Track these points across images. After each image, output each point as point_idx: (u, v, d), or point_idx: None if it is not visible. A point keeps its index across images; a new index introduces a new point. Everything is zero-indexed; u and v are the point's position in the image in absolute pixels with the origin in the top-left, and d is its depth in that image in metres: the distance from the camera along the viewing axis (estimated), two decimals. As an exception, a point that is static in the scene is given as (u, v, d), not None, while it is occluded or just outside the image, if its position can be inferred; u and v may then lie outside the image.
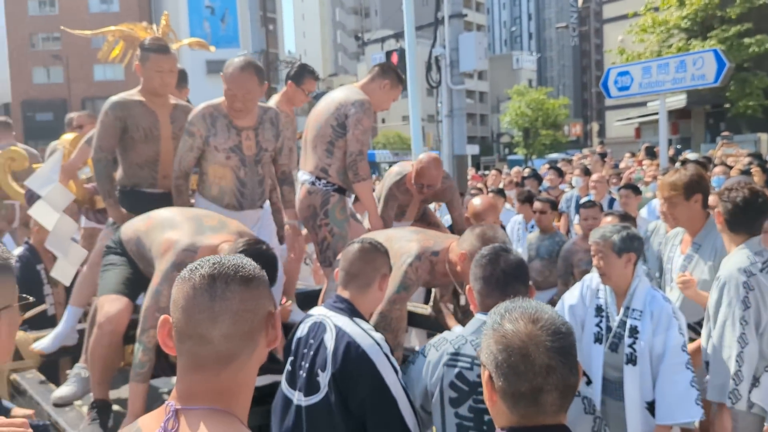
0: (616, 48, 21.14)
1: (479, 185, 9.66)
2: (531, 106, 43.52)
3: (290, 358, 2.30)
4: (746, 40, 18.43)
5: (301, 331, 2.30)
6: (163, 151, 3.49)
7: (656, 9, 20.22)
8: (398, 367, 2.12)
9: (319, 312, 2.31)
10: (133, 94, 3.57)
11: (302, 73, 4.60)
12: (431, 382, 2.10)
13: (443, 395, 2.04)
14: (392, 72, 3.96)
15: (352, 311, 2.22)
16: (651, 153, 11.17)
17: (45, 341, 3.46)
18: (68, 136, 4.78)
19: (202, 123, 3.20)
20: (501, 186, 8.98)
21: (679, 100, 20.42)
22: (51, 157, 4.51)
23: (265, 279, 1.19)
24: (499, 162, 38.55)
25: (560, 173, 8.75)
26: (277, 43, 43.48)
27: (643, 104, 21.95)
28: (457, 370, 2.02)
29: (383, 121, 60.87)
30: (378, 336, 2.14)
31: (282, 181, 3.60)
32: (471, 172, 13.93)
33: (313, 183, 3.61)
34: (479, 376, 1.92)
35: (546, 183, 8.94)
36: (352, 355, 2.07)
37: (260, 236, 3.19)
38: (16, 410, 2.13)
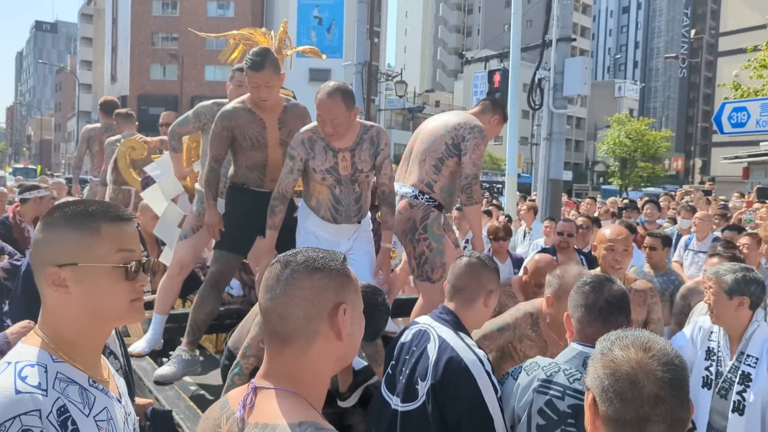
0: (730, 83, 20.07)
1: (572, 212, 9.44)
2: (631, 135, 42.00)
3: (391, 362, 2.32)
4: None
5: (405, 337, 2.31)
6: (270, 157, 3.64)
7: (778, 44, 19.08)
8: (498, 387, 2.11)
9: (424, 321, 2.31)
10: (244, 101, 3.68)
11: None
12: (519, 406, 2.07)
13: (531, 421, 2.01)
14: (501, 108, 4.04)
15: (456, 324, 2.22)
16: (764, 195, 10.52)
17: (140, 344, 3.72)
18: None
19: (302, 147, 3.28)
20: (596, 215, 8.72)
21: (795, 142, 19.13)
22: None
23: (338, 273, 1.25)
24: (592, 190, 37.44)
25: (659, 207, 8.41)
26: (379, 56, 44.28)
27: (755, 143, 20.70)
28: (547, 397, 1.97)
29: (475, 139, 60.49)
30: (481, 353, 2.14)
31: (381, 201, 3.53)
32: (564, 198, 13.61)
33: (415, 197, 3.63)
34: (570, 407, 1.90)
35: (643, 216, 8.61)
36: (453, 369, 2.07)
37: (353, 250, 3.38)
38: (139, 399, 2.26)
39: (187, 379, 4.22)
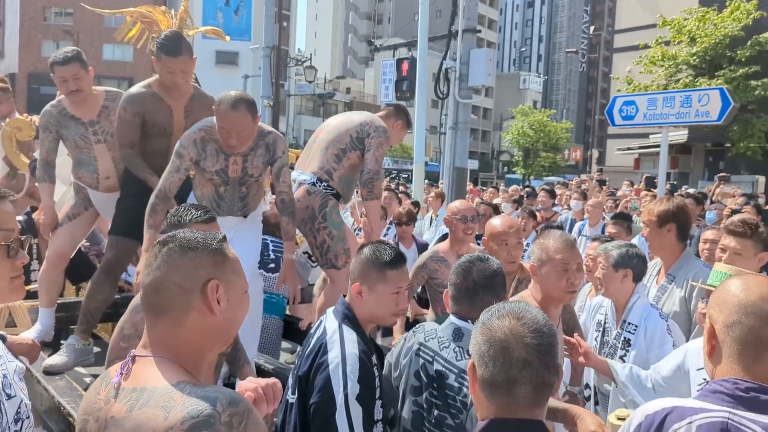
0: (623, 77, 21.30)
1: (477, 199, 9.74)
2: (533, 126, 43.75)
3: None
4: (753, 83, 18.61)
5: None
6: (173, 145, 3.54)
7: (667, 43, 20.40)
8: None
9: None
10: (150, 85, 3.57)
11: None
12: (402, 364, 2.18)
13: (408, 382, 2.13)
14: (405, 115, 4.13)
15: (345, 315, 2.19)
16: (651, 184, 11.28)
17: (29, 335, 3.51)
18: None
19: (194, 147, 3.15)
20: (497, 201, 9.06)
21: (680, 135, 20.58)
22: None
23: (212, 252, 1.34)
24: (497, 179, 38.72)
25: (552, 195, 8.85)
26: (288, 41, 43.60)
27: (645, 135, 22.12)
28: (421, 361, 2.10)
29: (386, 127, 60.95)
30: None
31: (281, 210, 3.44)
32: (469, 186, 14.02)
33: (313, 184, 3.64)
34: (436, 371, 2.03)
35: (538, 204, 9.04)
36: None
37: (233, 242, 3.28)
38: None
39: (80, 369, 4.05)
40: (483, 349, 1.34)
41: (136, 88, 3.60)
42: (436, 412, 2.00)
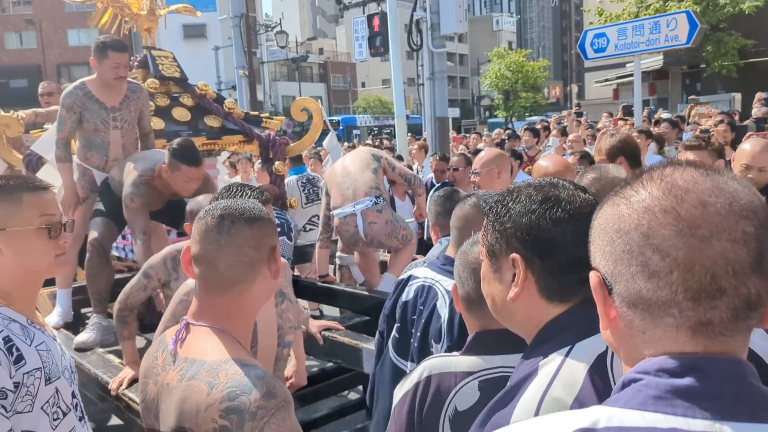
0: (595, 9, 21.22)
1: (461, 146, 9.91)
2: (511, 68, 43.55)
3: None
4: (721, 1, 18.64)
5: (406, 294, 2.15)
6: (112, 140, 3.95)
7: (635, -31, 20.29)
8: None
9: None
10: (90, 82, 3.88)
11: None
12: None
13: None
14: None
15: None
16: (629, 113, 11.46)
17: (52, 318, 3.78)
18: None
19: (163, 269, 2.79)
20: (480, 147, 9.22)
21: (656, 61, 20.67)
22: (55, 123, 4.66)
23: (269, 219, 1.42)
24: (480, 125, 38.71)
25: (536, 134, 9.00)
26: (255, 7, 42.77)
27: (622, 65, 22.16)
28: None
29: (363, 85, 60.51)
30: None
31: None
32: (452, 134, 14.14)
33: (376, 203, 4.03)
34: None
35: (522, 144, 9.22)
36: None
37: None
38: None
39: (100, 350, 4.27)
40: (460, 271, 1.55)
41: (75, 86, 3.92)
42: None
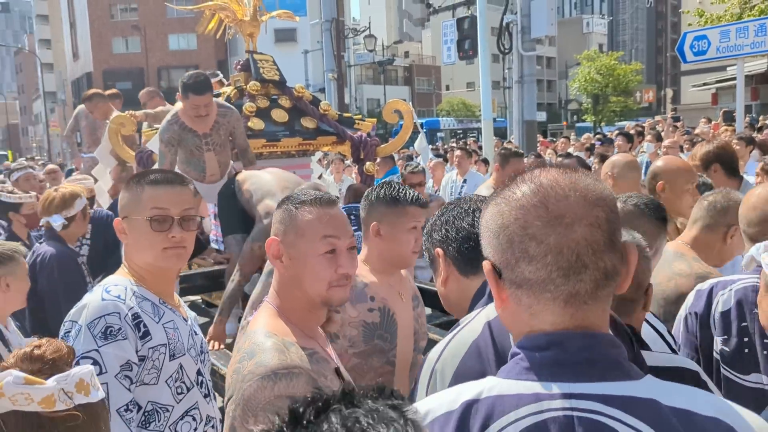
0: (694, 10, 20.29)
1: (549, 150, 9.77)
2: (601, 71, 42.25)
3: (723, 337, 1.93)
4: (836, 0, 17.39)
5: (724, 305, 1.94)
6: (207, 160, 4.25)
7: (739, -32, 19.25)
8: None
9: (727, 279, 2.00)
10: (182, 114, 4.09)
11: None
12: None
13: None
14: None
15: None
16: (729, 118, 10.93)
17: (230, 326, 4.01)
18: (114, 114, 5.28)
19: None
20: (570, 151, 9.05)
21: (759, 65, 19.50)
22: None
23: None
24: (566, 129, 37.82)
25: (629, 138, 8.73)
26: (344, 11, 43.66)
27: (722, 69, 21.09)
28: None
29: (447, 88, 60.39)
30: None
31: None
32: (539, 138, 13.93)
33: None
34: None
35: (615, 149, 8.98)
36: None
37: None
38: None
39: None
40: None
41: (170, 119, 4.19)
42: None
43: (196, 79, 3.88)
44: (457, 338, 1.31)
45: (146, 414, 1.70)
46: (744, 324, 1.87)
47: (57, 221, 3.63)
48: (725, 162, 3.23)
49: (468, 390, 0.92)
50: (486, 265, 0.95)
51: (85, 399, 1.02)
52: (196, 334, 1.89)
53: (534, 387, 0.87)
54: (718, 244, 2.32)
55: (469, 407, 0.90)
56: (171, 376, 1.74)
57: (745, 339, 1.85)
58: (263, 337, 1.42)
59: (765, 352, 1.82)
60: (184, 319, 1.86)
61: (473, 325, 1.32)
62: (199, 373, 1.82)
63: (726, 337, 1.90)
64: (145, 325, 1.69)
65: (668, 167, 2.84)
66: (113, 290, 1.72)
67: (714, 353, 1.93)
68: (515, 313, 0.93)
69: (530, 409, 0.85)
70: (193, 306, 3.92)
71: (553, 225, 0.87)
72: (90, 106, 7.05)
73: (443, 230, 1.53)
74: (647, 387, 0.87)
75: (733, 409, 0.87)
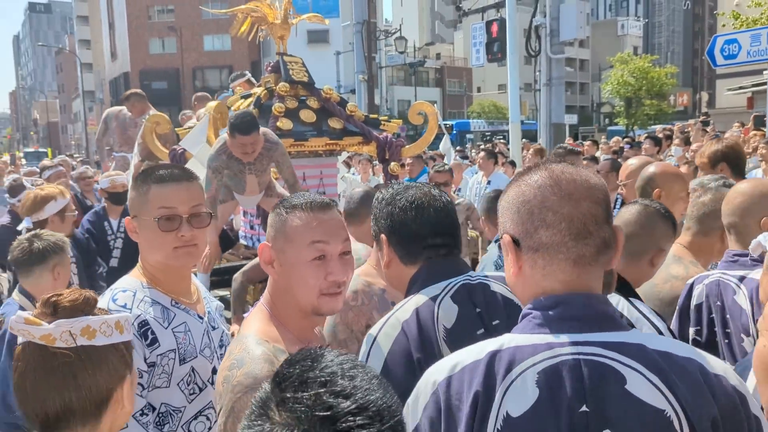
0: (729, 12, 19.95)
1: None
2: (635, 74, 41.66)
3: (696, 328, 2.13)
4: None
5: (698, 297, 2.12)
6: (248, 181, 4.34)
7: (777, -30, 18.86)
8: None
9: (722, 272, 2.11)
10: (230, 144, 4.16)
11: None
12: None
13: None
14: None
15: None
16: (761, 123, 10.78)
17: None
18: (212, 103, 5.45)
19: None
20: (597, 155, 9.06)
21: (796, 69, 19.10)
22: (200, 121, 5.21)
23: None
24: (598, 132, 37.39)
25: (657, 142, 8.67)
26: (376, 12, 43.88)
27: (759, 72, 20.68)
28: None
29: (479, 89, 60.17)
30: None
31: None
32: (568, 141, 13.89)
33: None
34: None
35: (643, 153, 8.94)
36: None
37: None
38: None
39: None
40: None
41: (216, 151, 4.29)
42: None
43: (243, 119, 3.97)
44: (393, 318, 1.54)
45: (160, 415, 1.71)
46: (711, 316, 2.06)
47: (27, 224, 3.58)
48: (732, 162, 3.28)
49: (491, 344, 1.13)
50: (506, 238, 1.18)
51: (87, 341, 1.19)
52: (214, 329, 1.86)
53: (547, 338, 1.09)
54: (717, 245, 2.39)
55: (493, 356, 1.10)
56: (182, 380, 1.73)
57: (714, 329, 2.05)
58: (254, 344, 1.40)
59: (726, 341, 2.00)
60: (200, 317, 1.82)
61: (405, 307, 1.54)
62: (215, 371, 1.78)
63: (698, 327, 2.12)
64: (152, 332, 1.68)
65: (664, 174, 2.92)
66: (120, 298, 1.70)
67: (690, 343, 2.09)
68: (529, 277, 1.16)
69: (545, 355, 1.07)
70: (222, 301, 4.11)
71: (566, 199, 1.12)
72: (128, 105, 7.37)
73: (389, 220, 1.64)
74: (635, 335, 1.11)
75: (701, 354, 1.11)
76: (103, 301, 1.66)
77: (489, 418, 1.05)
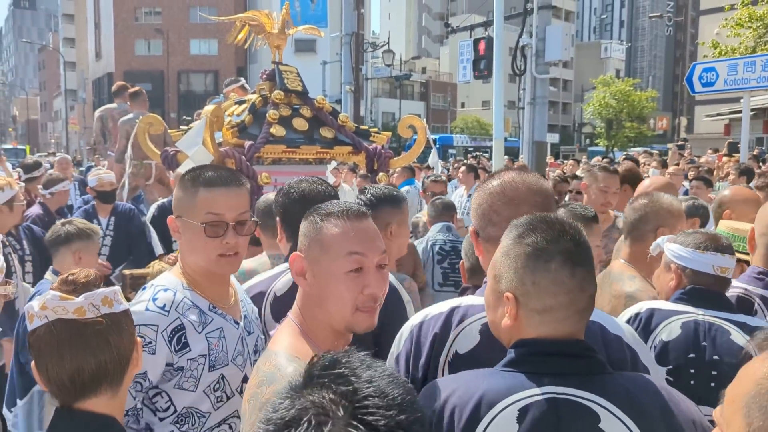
0: (710, 41, 20.52)
1: (557, 172, 10.00)
2: (616, 96, 42.47)
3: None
4: None
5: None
6: None
7: (754, 3, 19.48)
8: None
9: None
10: None
11: None
12: None
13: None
14: None
15: None
16: (734, 149, 11.14)
17: None
18: (209, 107, 5.54)
19: None
20: (578, 173, 9.28)
21: (771, 98, 19.69)
22: (197, 122, 5.30)
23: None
24: (579, 152, 37.96)
25: (636, 163, 8.93)
26: (364, 25, 44.19)
27: (736, 100, 21.25)
28: None
29: (463, 105, 60.75)
30: None
31: None
32: (549, 159, 14.18)
33: None
34: None
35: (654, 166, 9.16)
36: None
37: None
38: None
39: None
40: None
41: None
42: None
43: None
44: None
45: (180, 416, 1.68)
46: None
47: None
48: (633, 185, 3.58)
49: (454, 302, 1.47)
50: (471, 229, 1.56)
51: (109, 310, 1.34)
52: (249, 333, 1.82)
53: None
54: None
55: (452, 310, 1.45)
56: (210, 386, 1.69)
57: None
58: (285, 360, 1.33)
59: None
60: (236, 322, 1.78)
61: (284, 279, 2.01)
62: (245, 380, 1.71)
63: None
64: (185, 337, 1.65)
65: (735, 198, 3.08)
66: (160, 298, 1.66)
67: None
68: (485, 258, 1.51)
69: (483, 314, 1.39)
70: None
71: (508, 204, 1.47)
72: (133, 103, 7.41)
73: (281, 209, 2.07)
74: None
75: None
76: (145, 295, 1.68)
77: (442, 352, 1.40)
